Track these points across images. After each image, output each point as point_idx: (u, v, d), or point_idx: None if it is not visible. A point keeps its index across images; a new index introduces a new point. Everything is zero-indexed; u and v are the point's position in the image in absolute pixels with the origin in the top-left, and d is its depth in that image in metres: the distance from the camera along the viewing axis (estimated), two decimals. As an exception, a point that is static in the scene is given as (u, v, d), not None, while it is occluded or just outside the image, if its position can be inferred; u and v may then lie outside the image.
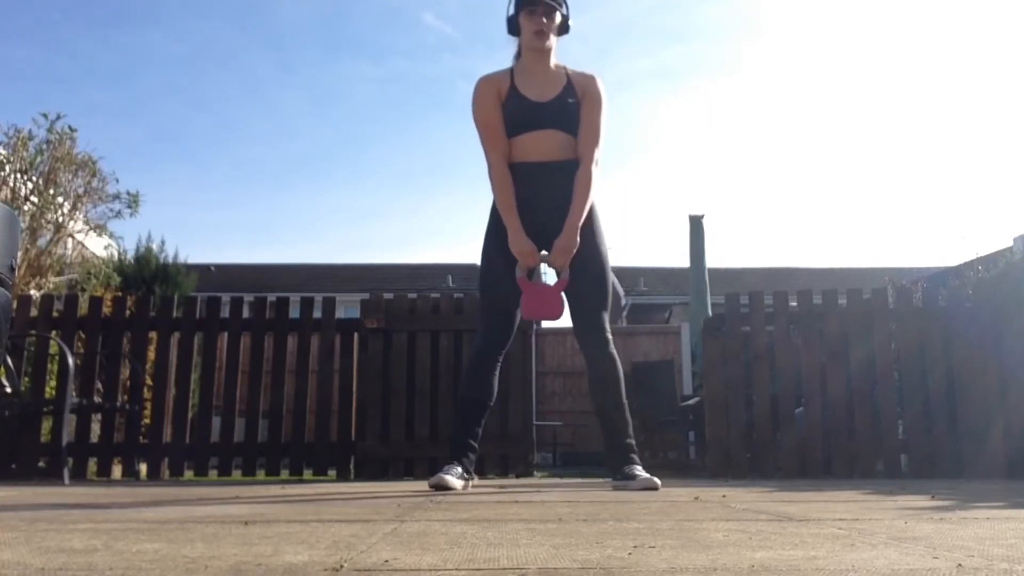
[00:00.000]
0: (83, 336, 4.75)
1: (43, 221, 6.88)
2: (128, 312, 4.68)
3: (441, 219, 41.82)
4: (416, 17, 37.53)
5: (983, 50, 39.87)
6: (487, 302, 3.21)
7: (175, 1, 33.17)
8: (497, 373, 3.18)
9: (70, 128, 7.13)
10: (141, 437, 4.56)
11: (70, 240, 7.55)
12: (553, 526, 1.66)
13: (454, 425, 3.26)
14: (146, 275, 10.98)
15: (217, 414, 4.65)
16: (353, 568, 1.10)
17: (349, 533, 1.52)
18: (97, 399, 4.48)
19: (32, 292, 5.90)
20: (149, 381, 4.81)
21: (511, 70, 3.26)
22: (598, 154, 3.19)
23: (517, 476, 4.48)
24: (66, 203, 7.17)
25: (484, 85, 3.23)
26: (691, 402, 7.76)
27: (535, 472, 4.82)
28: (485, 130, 3.20)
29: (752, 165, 39.68)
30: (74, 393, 4.23)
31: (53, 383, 4.57)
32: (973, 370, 4.38)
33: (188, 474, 4.59)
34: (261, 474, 4.55)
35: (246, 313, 4.78)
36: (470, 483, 3.13)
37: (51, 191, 6.98)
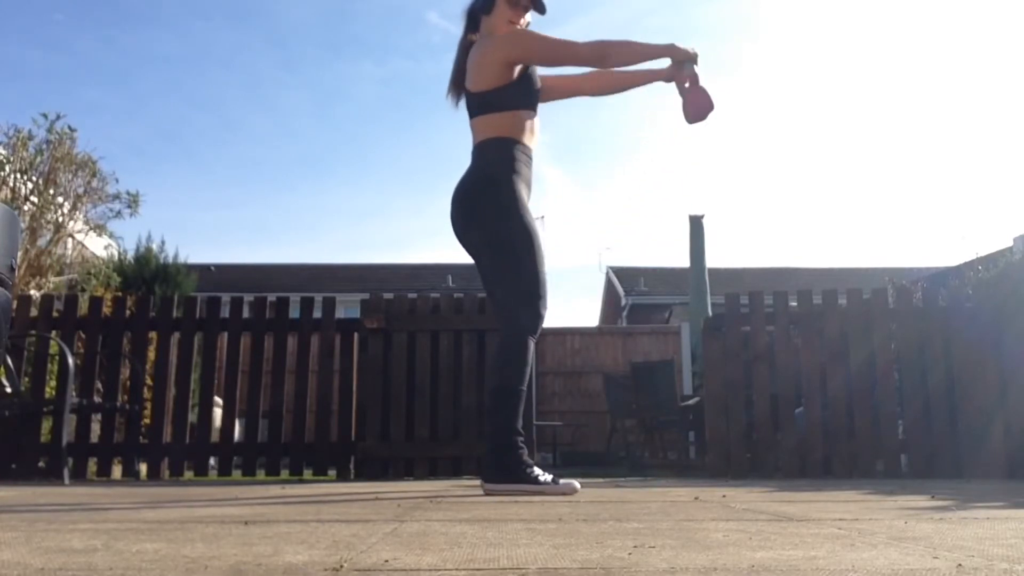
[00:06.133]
0: (83, 336, 4.75)
1: (43, 221, 6.89)
2: (128, 312, 4.68)
3: (441, 219, 41.69)
4: (420, 16, 37.53)
5: (983, 50, 39.88)
6: (542, 277, 2.91)
7: (175, 1, 33.17)
8: None
9: (70, 128, 7.15)
10: (141, 437, 4.56)
11: (70, 240, 7.56)
12: (553, 526, 1.66)
13: (514, 421, 2.80)
14: (146, 275, 10.97)
15: (217, 414, 4.66)
16: (353, 568, 1.10)
17: (349, 533, 1.52)
18: (97, 399, 4.48)
19: (32, 292, 5.90)
20: (149, 381, 4.81)
21: None
22: None
23: (517, 476, 4.47)
24: (66, 203, 7.18)
25: None
26: (691, 402, 7.75)
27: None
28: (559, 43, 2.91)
29: (752, 165, 39.69)
30: (74, 393, 4.23)
31: (53, 383, 4.57)
32: (973, 370, 4.38)
33: (188, 474, 4.59)
34: (261, 474, 4.55)
35: (246, 313, 4.77)
36: None
37: (51, 191, 6.99)
